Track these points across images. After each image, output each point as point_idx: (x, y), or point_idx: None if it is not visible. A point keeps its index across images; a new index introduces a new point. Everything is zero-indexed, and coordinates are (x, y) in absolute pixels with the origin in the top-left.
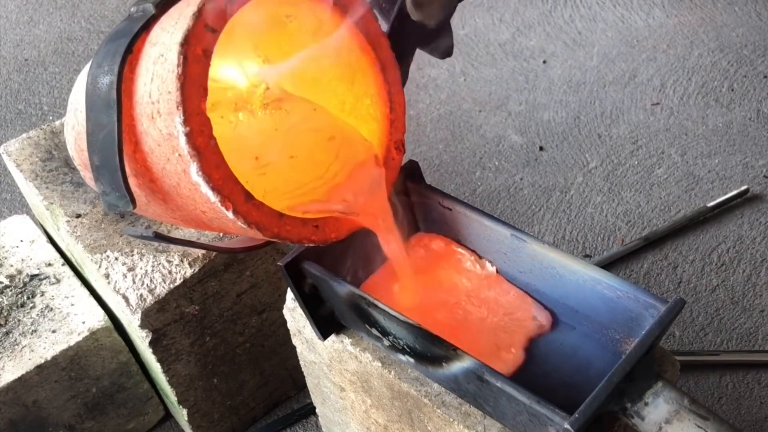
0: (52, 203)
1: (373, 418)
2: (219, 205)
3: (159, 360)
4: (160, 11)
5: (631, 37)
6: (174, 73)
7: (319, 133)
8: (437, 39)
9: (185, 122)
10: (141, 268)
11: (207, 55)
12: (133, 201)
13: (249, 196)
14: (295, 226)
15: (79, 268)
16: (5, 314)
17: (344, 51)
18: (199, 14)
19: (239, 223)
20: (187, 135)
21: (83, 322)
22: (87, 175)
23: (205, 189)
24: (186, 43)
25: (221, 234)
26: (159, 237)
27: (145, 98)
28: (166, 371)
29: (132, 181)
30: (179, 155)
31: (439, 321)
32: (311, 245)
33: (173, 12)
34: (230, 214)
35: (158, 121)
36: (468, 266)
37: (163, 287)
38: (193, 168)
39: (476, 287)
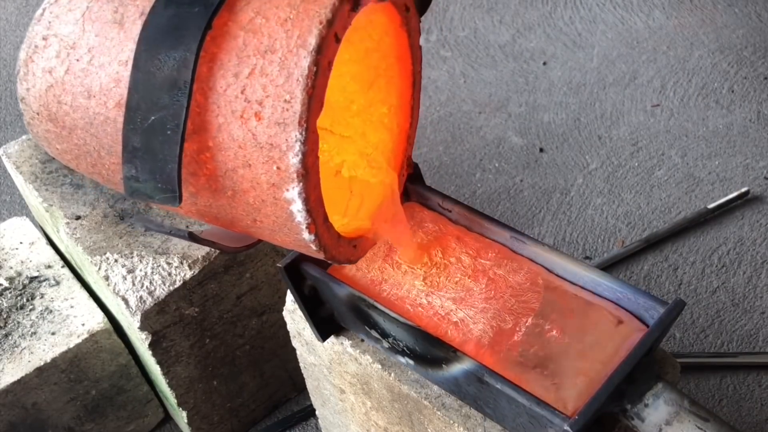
0: (52, 205)
1: (373, 420)
2: (304, 226)
3: (159, 362)
4: None
5: (631, 38)
6: (301, 84)
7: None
8: None
9: (305, 141)
10: (141, 270)
11: (330, 67)
12: (181, 197)
13: (326, 217)
14: (345, 247)
15: (78, 270)
16: (5, 316)
17: (376, 54)
18: (333, 21)
19: (311, 246)
20: (304, 154)
21: (83, 324)
22: (44, 128)
23: (298, 208)
24: (319, 52)
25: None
26: (193, 238)
27: (233, 91)
28: (165, 373)
29: None
30: (278, 168)
31: (444, 307)
32: (348, 264)
33: None
34: (310, 236)
35: (253, 124)
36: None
37: (163, 289)
38: (296, 187)
39: (484, 266)
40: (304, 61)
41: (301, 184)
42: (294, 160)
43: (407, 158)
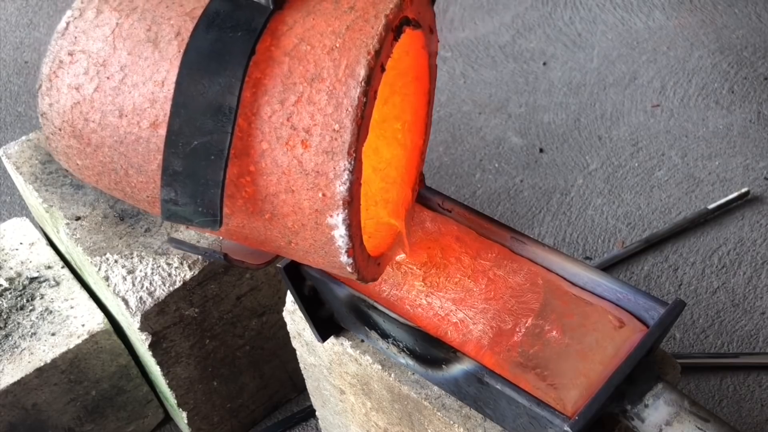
0: (52, 206)
1: (373, 421)
2: (344, 250)
3: (159, 363)
4: (276, 5)
5: (631, 38)
6: (351, 114)
7: None
8: None
9: (353, 170)
10: (141, 271)
11: (375, 96)
12: (222, 221)
13: (362, 241)
14: (374, 267)
15: (78, 271)
16: (5, 317)
17: (393, 71)
18: (380, 51)
19: (347, 268)
20: (351, 182)
21: (83, 325)
22: (66, 143)
23: (341, 234)
24: (368, 83)
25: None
26: (228, 260)
27: (278, 118)
28: (165, 374)
29: None
30: (323, 195)
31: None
32: (372, 282)
33: (318, 22)
34: (348, 259)
35: (299, 152)
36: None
37: (163, 290)
38: (340, 214)
39: (484, 266)
40: (354, 92)
41: (346, 211)
42: (341, 188)
43: (419, 174)
